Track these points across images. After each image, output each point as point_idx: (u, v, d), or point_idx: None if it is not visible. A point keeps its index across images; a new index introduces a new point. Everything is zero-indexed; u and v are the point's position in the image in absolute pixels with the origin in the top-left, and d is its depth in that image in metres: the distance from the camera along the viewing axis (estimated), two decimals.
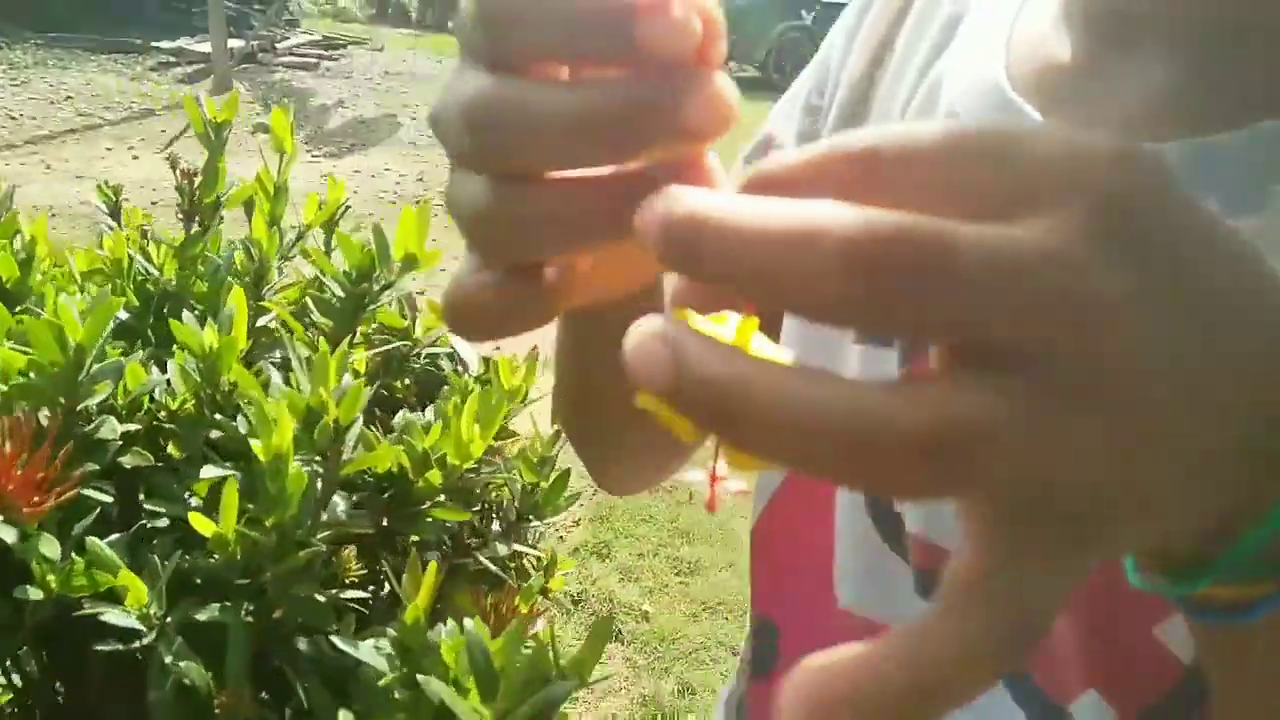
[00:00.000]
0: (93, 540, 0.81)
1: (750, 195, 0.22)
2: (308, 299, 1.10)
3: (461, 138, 0.26)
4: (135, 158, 6.34)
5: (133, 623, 0.79)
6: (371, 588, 1.07)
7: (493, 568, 1.14)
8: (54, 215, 4.58)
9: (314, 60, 9.72)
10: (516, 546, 1.15)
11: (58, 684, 0.98)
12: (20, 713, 0.96)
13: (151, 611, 0.79)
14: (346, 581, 0.95)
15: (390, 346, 1.11)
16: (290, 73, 9.29)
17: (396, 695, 0.80)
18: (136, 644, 0.79)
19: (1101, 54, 0.43)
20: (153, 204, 4.62)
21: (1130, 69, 0.42)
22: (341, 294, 1.04)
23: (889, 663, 0.20)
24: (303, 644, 0.86)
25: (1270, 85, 0.38)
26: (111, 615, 0.78)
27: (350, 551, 0.90)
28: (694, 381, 0.20)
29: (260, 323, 1.18)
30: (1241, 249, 0.22)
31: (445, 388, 1.11)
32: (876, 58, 0.54)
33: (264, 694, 0.89)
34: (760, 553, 0.58)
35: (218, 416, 0.91)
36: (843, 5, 0.60)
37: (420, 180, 6.44)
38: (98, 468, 0.86)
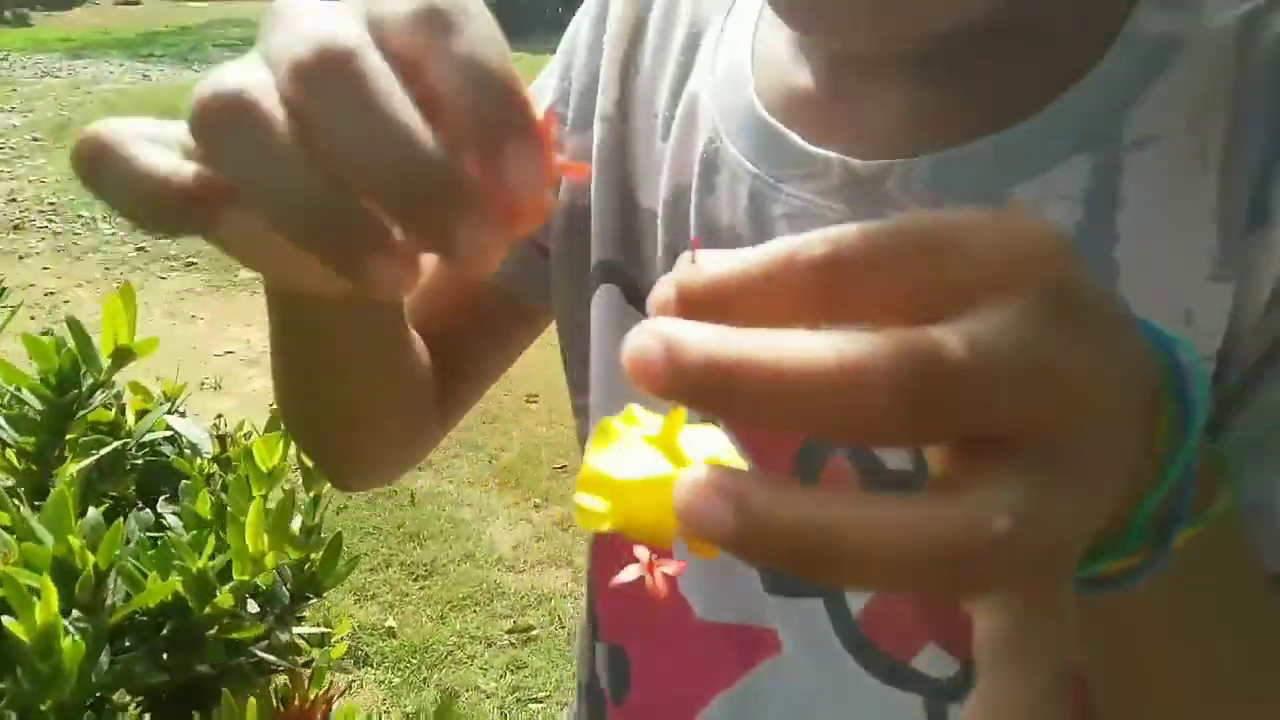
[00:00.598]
0: None
1: (713, 304, 0.23)
2: None
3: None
4: None
5: None
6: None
7: (273, 659, 1.05)
8: None
9: None
10: (297, 630, 1.07)
11: None
12: None
13: None
14: None
15: (108, 449, 0.97)
16: None
17: None
18: None
19: (842, 79, 0.47)
20: None
21: (870, 94, 0.46)
22: (41, 406, 0.89)
23: None
24: None
25: (998, 103, 0.43)
26: None
27: (134, 709, 0.79)
28: (762, 531, 0.21)
29: None
30: (1115, 300, 0.25)
31: (184, 482, 0.99)
32: (624, 75, 0.55)
33: None
34: (604, 578, 0.56)
35: None
36: None
37: (13, 200, 5.62)
38: None
